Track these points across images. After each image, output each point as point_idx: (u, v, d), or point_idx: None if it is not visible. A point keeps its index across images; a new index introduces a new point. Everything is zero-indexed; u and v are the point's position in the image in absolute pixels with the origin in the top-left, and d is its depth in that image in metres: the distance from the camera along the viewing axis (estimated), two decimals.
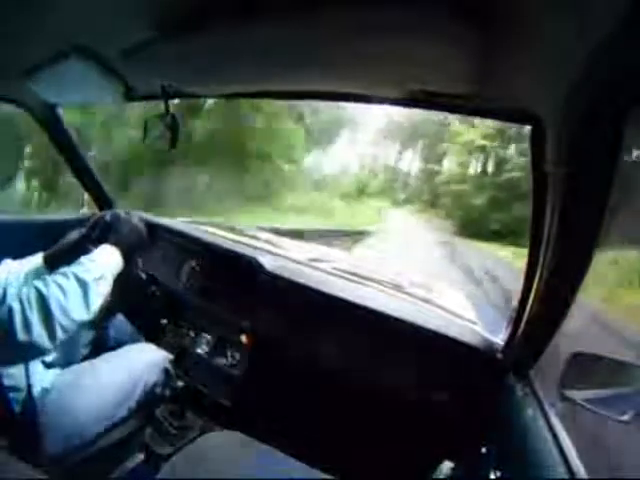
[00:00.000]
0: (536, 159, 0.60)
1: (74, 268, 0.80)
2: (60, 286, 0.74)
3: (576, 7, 0.37)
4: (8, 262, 1.01)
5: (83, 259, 0.84)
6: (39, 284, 0.73)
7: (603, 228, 0.55)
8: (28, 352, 0.72)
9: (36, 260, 1.04)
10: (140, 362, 1.05)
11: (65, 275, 0.77)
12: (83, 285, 0.76)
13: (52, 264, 1.06)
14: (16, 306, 0.68)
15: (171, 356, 1.14)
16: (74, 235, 1.10)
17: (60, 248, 1.08)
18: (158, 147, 0.95)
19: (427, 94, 0.67)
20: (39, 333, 0.68)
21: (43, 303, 0.70)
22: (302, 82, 0.80)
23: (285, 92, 0.93)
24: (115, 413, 0.93)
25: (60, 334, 0.71)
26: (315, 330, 1.11)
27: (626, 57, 0.39)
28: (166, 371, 1.08)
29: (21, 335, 0.67)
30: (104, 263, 0.85)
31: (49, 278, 0.76)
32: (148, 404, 1.02)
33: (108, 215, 1.16)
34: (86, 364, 1.00)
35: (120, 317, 1.21)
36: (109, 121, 7.06)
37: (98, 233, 1.13)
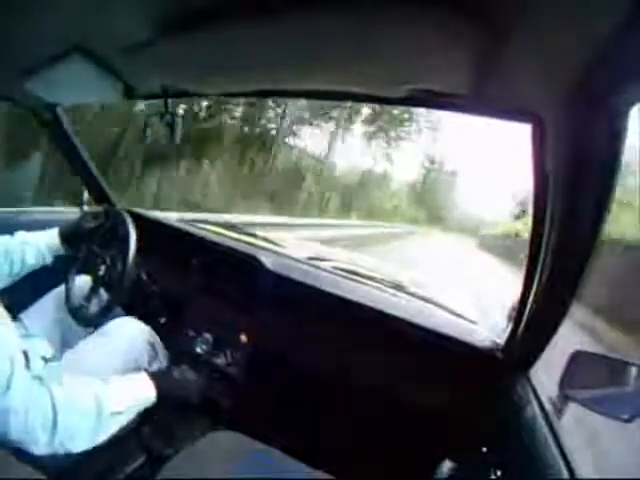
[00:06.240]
0: (536, 159, 0.60)
1: (101, 389, 0.73)
2: (74, 406, 0.68)
3: (576, 7, 0.37)
4: (23, 233, 1.03)
5: (114, 379, 0.79)
6: (54, 389, 0.66)
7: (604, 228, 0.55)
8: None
9: (52, 234, 1.06)
10: (124, 339, 1.02)
11: (86, 395, 0.70)
12: (99, 415, 0.70)
13: (69, 242, 1.08)
14: (20, 405, 0.61)
15: (154, 333, 1.11)
16: (89, 221, 1.12)
17: (77, 229, 1.10)
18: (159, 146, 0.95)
19: (427, 94, 0.67)
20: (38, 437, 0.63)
21: (53, 418, 0.64)
22: (302, 81, 0.80)
23: (285, 91, 0.93)
24: None
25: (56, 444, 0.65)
26: (315, 329, 1.11)
27: (626, 57, 0.39)
28: (152, 345, 1.07)
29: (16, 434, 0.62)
30: (133, 396, 0.79)
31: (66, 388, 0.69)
32: None
33: (112, 213, 1.18)
34: (70, 352, 0.97)
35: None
36: None
37: (102, 232, 1.15)
